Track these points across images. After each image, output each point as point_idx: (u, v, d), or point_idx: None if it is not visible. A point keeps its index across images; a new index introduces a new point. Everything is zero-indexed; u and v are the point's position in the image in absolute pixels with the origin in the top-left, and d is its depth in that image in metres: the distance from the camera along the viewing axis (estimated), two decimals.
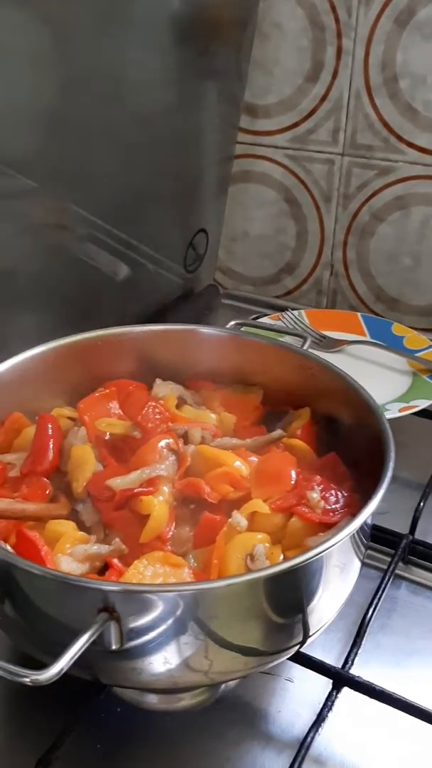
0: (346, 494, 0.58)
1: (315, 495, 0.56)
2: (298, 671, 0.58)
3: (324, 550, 0.47)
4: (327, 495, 0.57)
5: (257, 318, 1.03)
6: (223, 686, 0.57)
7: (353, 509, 0.56)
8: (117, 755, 0.53)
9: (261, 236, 1.19)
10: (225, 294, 1.23)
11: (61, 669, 0.40)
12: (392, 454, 0.54)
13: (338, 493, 0.57)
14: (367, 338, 0.99)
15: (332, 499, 0.57)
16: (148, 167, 0.95)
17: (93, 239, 0.91)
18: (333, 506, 0.56)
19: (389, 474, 0.52)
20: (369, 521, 0.54)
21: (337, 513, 0.56)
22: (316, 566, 0.48)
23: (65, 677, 0.42)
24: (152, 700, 0.56)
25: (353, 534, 0.50)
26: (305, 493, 0.56)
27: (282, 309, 1.07)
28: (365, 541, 0.55)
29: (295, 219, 1.16)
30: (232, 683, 0.58)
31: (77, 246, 0.89)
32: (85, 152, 0.84)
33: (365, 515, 0.49)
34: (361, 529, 0.51)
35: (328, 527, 0.55)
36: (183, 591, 0.45)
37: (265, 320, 1.01)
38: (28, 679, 0.39)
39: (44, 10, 0.70)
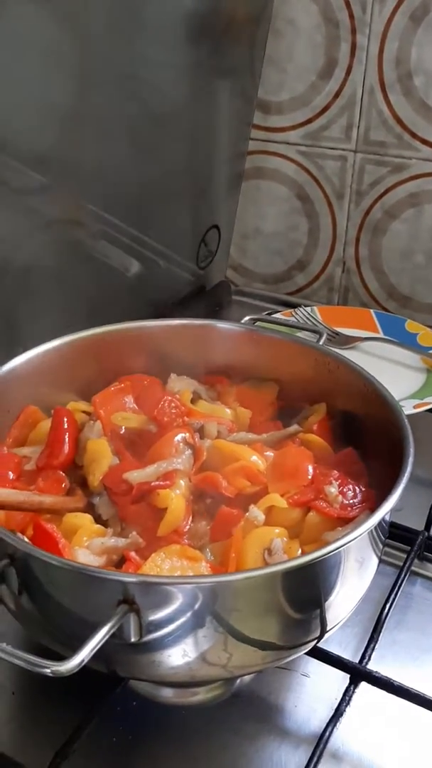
0: (363, 489, 0.57)
1: (333, 490, 0.56)
2: (314, 666, 0.58)
3: (343, 545, 0.47)
4: (345, 490, 0.56)
5: (270, 315, 1.03)
6: (238, 681, 0.57)
7: (371, 504, 0.56)
8: (133, 748, 0.53)
9: (273, 233, 1.19)
10: (236, 291, 1.23)
11: (82, 660, 0.40)
12: (411, 450, 0.54)
13: (356, 488, 0.57)
14: (381, 335, 0.99)
15: (350, 494, 0.56)
16: (162, 164, 0.95)
17: (106, 235, 0.91)
18: (351, 501, 0.56)
19: (409, 469, 0.52)
20: (387, 517, 0.54)
21: (355, 508, 0.56)
22: (335, 561, 0.48)
23: (82, 670, 0.42)
24: (168, 694, 0.56)
25: (372, 530, 0.50)
26: (323, 487, 0.56)
27: (293, 306, 1.07)
28: (383, 538, 0.55)
29: (308, 216, 1.15)
30: (247, 678, 0.58)
31: (90, 242, 0.89)
32: (99, 149, 0.84)
33: (385, 510, 0.49)
34: (380, 524, 0.51)
35: (345, 522, 0.55)
36: (202, 583, 0.45)
37: (277, 316, 1.01)
38: (48, 670, 0.39)
39: (60, 8, 0.71)
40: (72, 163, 0.80)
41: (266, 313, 1.05)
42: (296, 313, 1.01)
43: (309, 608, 0.50)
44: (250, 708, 0.56)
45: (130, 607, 0.43)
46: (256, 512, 0.55)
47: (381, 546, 0.55)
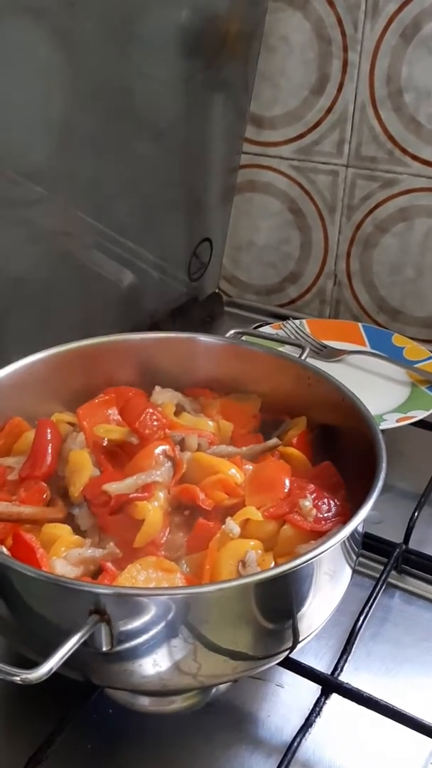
0: (338, 503, 0.58)
1: (307, 503, 0.57)
2: (289, 677, 0.59)
3: (314, 557, 0.48)
4: (319, 503, 0.57)
5: (259, 327, 1.04)
6: (214, 690, 0.58)
7: (345, 518, 0.57)
8: (107, 755, 0.54)
9: (266, 246, 1.21)
10: (229, 302, 1.24)
11: (51, 668, 0.41)
12: (384, 464, 0.55)
13: (331, 501, 0.58)
14: (368, 348, 1.00)
15: (324, 507, 0.57)
16: (155, 177, 0.97)
17: (99, 247, 0.92)
18: (325, 515, 0.57)
19: (380, 483, 0.53)
20: (360, 529, 0.55)
21: (328, 521, 0.57)
22: (306, 572, 0.49)
23: (59, 678, 0.43)
24: (144, 702, 0.57)
25: (343, 541, 0.51)
26: (298, 501, 0.57)
27: (285, 318, 1.08)
28: (356, 549, 0.55)
29: (300, 229, 1.17)
30: (223, 687, 0.58)
31: (84, 253, 0.91)
32: (94, 162, 0.85)
33: (355, 523, 0.50)
34: (352, 536, 0.52)
35: (319, 535, 0.56)
36: (173, 595, 0.46)
37: (266, 329, 1.02)
38: (18, 678, 0.40)
39: (57, 24, 0.72)
40: (67, 174, 0.82)
41: (257, 325, 1.06)
42: (285, 326, 1.02)
43: (281, 619, 0.51)
44: (224, 717, 0.57)
45: (101, 617, 0.44)
46: (232, 525, 0.56)
47: (354, 557, 0.56)
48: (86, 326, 0.75)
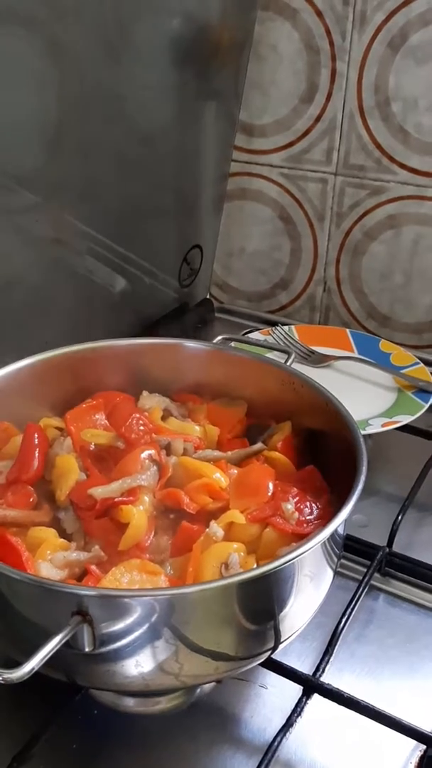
0: (320, 506, 0.59)
1: (290, 506, 0.58)
2: (272, 678, 0.60)
3: (294, 558, 0.48)
4: (302, 507, 0.58)
5: (250, 332, 1.05)
6: (198, 691, 0.59)
7: (327, 521, 0.58)
8: (92, 755, 0.55)
9: (257, 252, 1.22)
10: (220, 308, 1.25)
11: (32, 668, 0.42)
12: (364, 468, 0.56)
13: (313, 504, 0.59)
14: (355, 354, 1.01)
15: (307, 510, 0.58)
16: (146, 184, 0.98)
17: (91, 252, 0.93)
18: (307, 517, 0.58)
19: (360, 486, 0.54)
20: (341, 531, 0.56)
21: (310, 524, 0.58)
22: (287, 574, 0.50)
23: (44, 679, 0.44)
24: (129, 703, 0.58)
25: (324, 543, 0.52)
26: (280, 504, 0.58)
27: (275, 324, 1.09)
28: (337, 551, 0.56)
29: (290, 236, 1.18)
30: (207, 688, 0.59)
31: (76, 259, 0.91)
32: (87, 169, 0.86)
33: (335, 525, 0.51)
34: (333, 539, 0.53)
35: (301, 538, 0.56)
36: (155, 595, 0.47)
37: (255, 335, 1.03)
38: (0, 677, 0.41)
39: (49, 32, 0.73)
40: (59, 181, 0.83)
41: (247, 331, 1.07)
42: (274, 332, 1.03)
43: (262, 620, 0.51)
44: (208, 717, 0.58)
45: (83, 618, 0.45)
46: (216, 528, 0.56)
47: (336, 559, 0.56)
48: (78, 332, 0.76)
